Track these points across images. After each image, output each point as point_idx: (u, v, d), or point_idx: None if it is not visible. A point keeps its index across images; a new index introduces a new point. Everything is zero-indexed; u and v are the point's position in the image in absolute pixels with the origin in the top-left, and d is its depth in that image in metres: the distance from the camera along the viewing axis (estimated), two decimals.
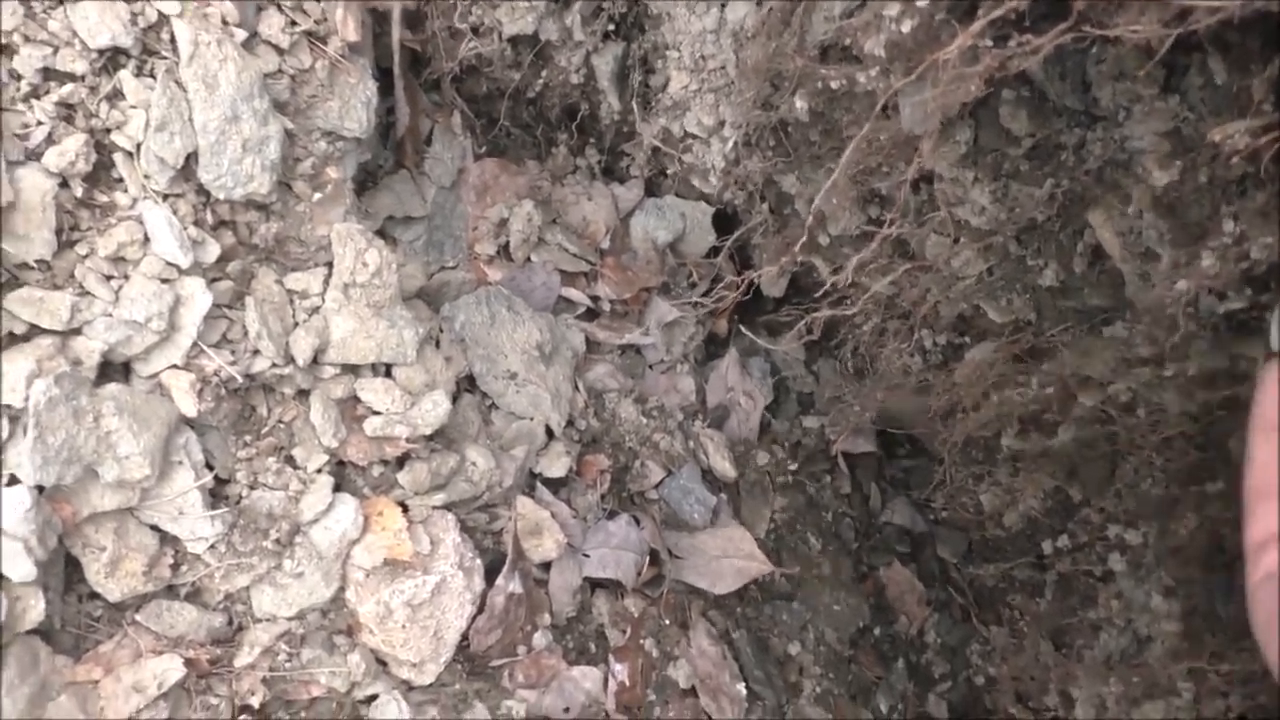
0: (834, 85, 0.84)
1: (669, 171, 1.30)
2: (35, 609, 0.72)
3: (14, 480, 0.70)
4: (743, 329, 1.37)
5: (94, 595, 0.80)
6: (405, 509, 0.94)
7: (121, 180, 0.78)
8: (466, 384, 1.09)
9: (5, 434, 0.70)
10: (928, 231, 1.03)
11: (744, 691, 1.16)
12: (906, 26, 0.74)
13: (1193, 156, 0.79)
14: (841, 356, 1.43)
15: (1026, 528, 1.35)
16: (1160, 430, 1.00)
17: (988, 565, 1.46)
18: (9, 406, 0.70)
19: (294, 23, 0.87)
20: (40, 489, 0.71)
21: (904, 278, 1.10)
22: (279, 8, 0.87)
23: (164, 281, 0.79)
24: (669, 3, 1.02)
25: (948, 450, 1.35)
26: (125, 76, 0.77)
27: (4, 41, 0.72)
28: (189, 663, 0.81)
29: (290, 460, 0.88)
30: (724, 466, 1.30)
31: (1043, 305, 1.05)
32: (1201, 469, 0.99)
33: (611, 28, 1.12)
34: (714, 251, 1.38)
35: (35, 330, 0.73)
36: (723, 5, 0.98)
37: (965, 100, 0.75)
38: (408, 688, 0.94)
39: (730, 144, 1.09)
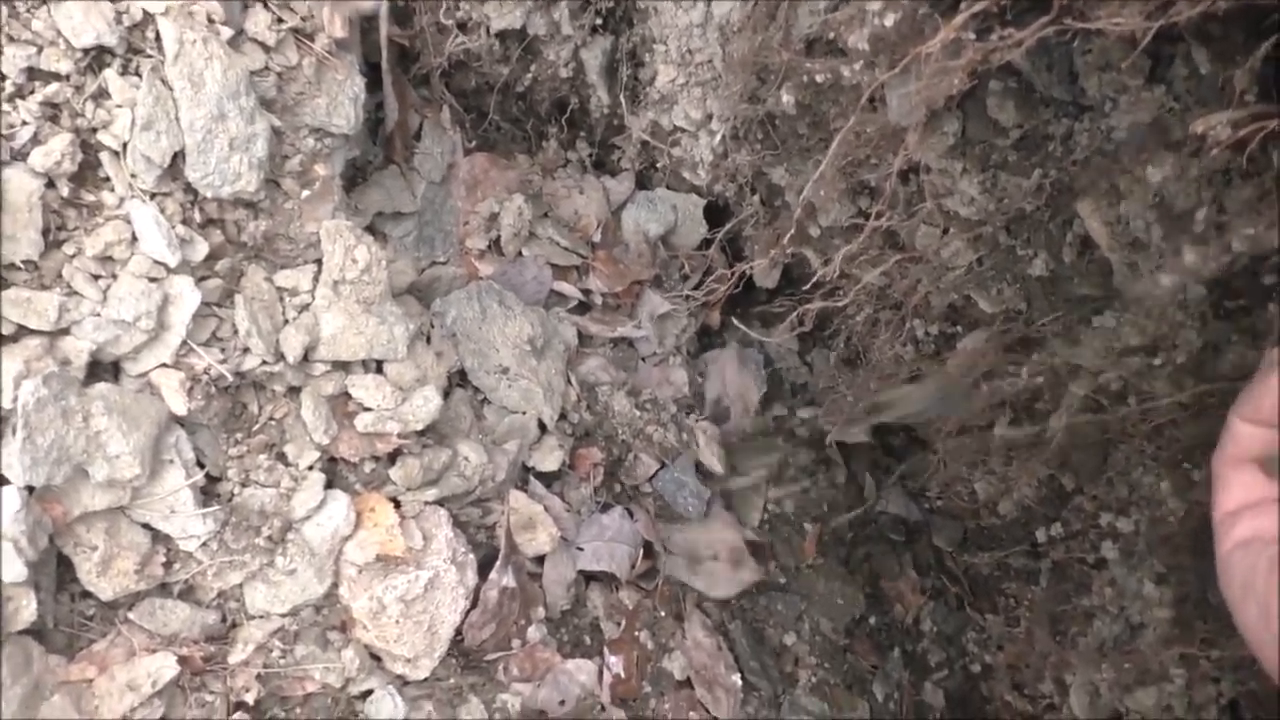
0: (819, 79, 0.84)
1: (659, 164, 1.30)
2: (27, 609, 0.72)
3: (3, 481, 0.71)
4: (736, 321, 1.37)
5: (86, 594, 0.80)
6: (397, 505, 0.94)
7: (108, 179, 0.78)
8: (458, 379, 1.09)
9: None
10: (917, 223, 1.03)
11: (740, 682, 1.16)
12: (889, 20, 0.74)
13: (1178, 147, 0.79)
14: (835, 347, 1.44)
15: (1021, 516, 1.35)
16: (1150, 418, 1.00)
17: (983, 553, 1.47)
18: None
19: (280, 20, 0.87)
20: (30, 489, 0.72)
21: (895, 269, 1.10)
22: (265, 5, 0.87)
23: (152, 280, 0.79)
24: None
25: (942, 440, 1.36)
26: (110, 75, 0.76)
27: None
28: (183, 660, 0.82)
29: (282, 457, 0.88)
30: (713, 462, 1.30)
31: (1033, 295, 1.06)
32: (1191, 456, 0.99)
33: (599, 21, 1.12)
34: (706, 244, 1.38)
35: (23, 331, 0.73)
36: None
37: (950, 93, 0.76)
38: (402, 683, 0.95)
39: (718, 137, 1.09)
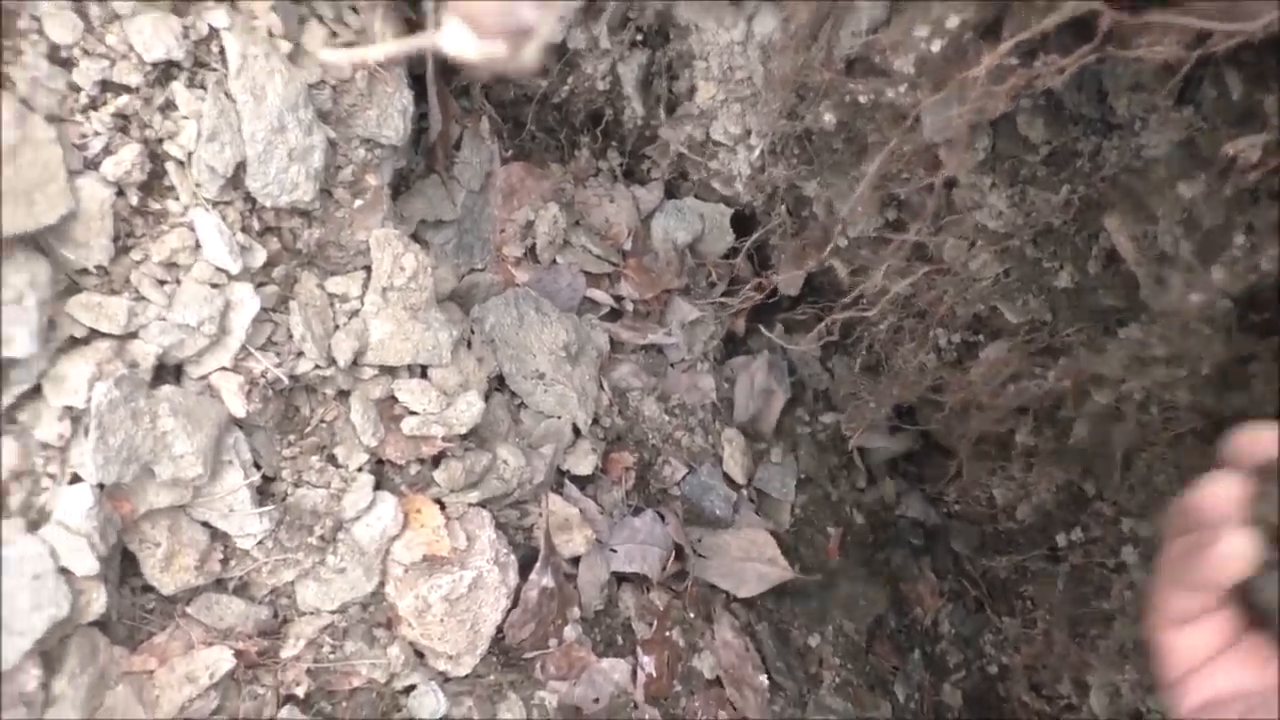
0: (862, 99, 0.87)
1: (691, 175, 1.33)
2: (97, 602, 0.75)
3: (77, 479, 0.73)
4: (764, 330, 1.39)
5: (147, 588, 0.83)
6: (442, 506, 0.96)
7: (173, 188, 0.80)
8: (496, 383, 1.12)
9: (69, 434, 0.73)
10: (946, 235, 1.06)
11: (766, 682, 1.19)
12: (936, 46, 0.77)
13: (1208, 165, 0.81)
14: (857, 354, 1.46)
15: (1039, 521, 1.37)
16: (1173, 427, 1.02)
17: (1000, 557, 1.49)
18: (71, 408, 0.73)
19: (335, 34, 0.90)
20: (101, 487, 0.74)
21: (922, 280, 1.13)
22: (321, 20, 0.89)
23: (214, 286, 0.81)
24: (697, 15, 1.05)
25: (962, 446, 1.38)
26: (178, 88, 0.79)
27: (65, 55, 0.74)
28: (239, 654, 0.84)
29: (332, 459, 0.91)
30: (736, 472, 1.32)
31: (1058, 306, 1.08)
32: (1212, 464, 1.01)
33: (639, 37, 1.15)
34: (732, 251, 1.40)
35: (94, 334, 0.76)
36: (750, 19, 1.01)
37: (993, 116, 0.78)
38: (444, 679, 0.97)
39: (756, 152, 1.12)
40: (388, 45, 0.73)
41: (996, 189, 0.99)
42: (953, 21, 0.74)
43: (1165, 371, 0.96)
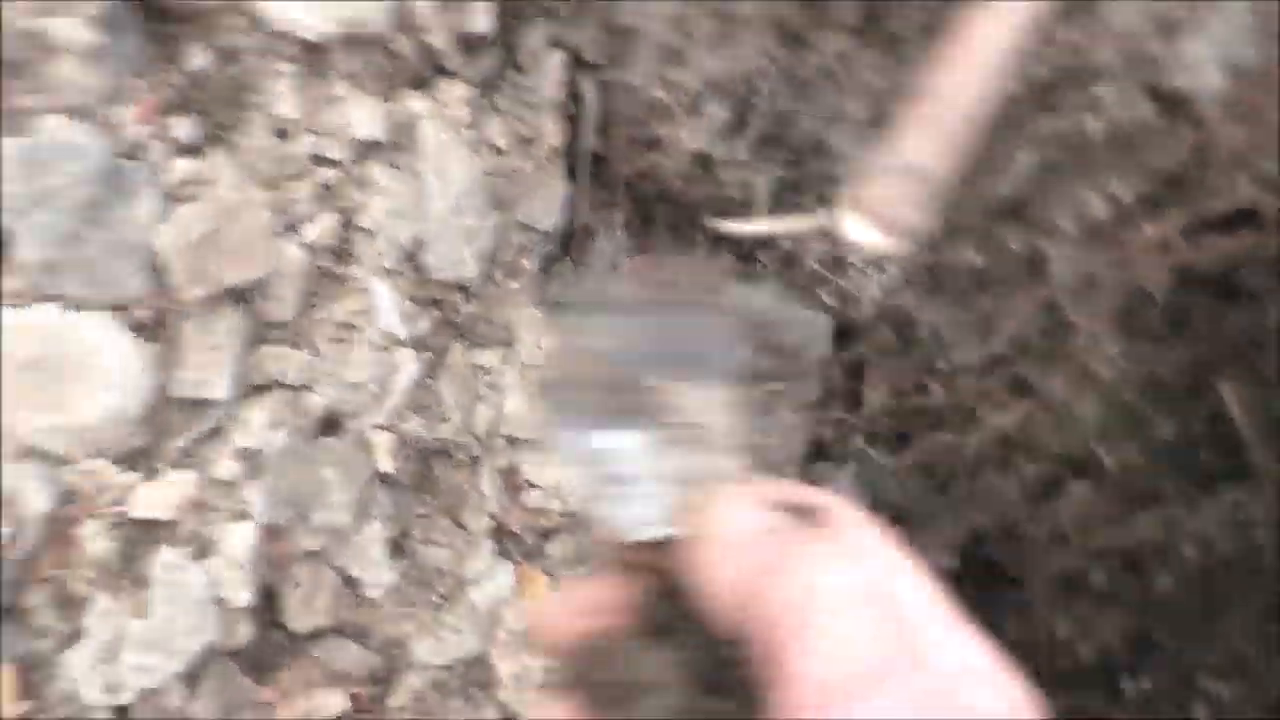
0: (1014, 246, 0.92)
1: (798, 282, 1.38)
2: (244, 632, 0.79)
3: (243, 516, 0.78)
4: (849, 438, 1.43)
5: (275, 624, 0.87)
6: (551, 578, 1.01)
7: (357, 256, 0.87)
8: None
9: (241, 473, 0.78)
10: (1055, 375, 1.10)
11: None
12: (1103, 212, 0.82)
13: None
14: (935, 473, 1.49)
15: (1100, 662, 1.38)
16: (1264, 592, 1.05)
17: (1057, 694, 1.49)
18: (247, 449, 0.79)
19: (513, 129, 0.97)
20: (262, 527, 0.79)
21: (1023, 415, 1.16)
22: (500, 114, 0.96)
23: (382, 349, 0.87)
24: (849, 144, 1.10)
25: (1035, 580, 1.40)
26: (375, 166, 0.86)
27: (285, 129, 0.81)
28: (354, 698, 0.88)
29: (459, 522, 0.96)
30: None
31: (1156, 457, 1.11)
32: None
33: (792, 159, 1.21)
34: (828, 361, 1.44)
35: (275, 384, 0.81)
36: None
37: (1151, 285, 0.83)
38: None
39: (889, 278, 1.17)
40: (787, 223, 0.80)
41: (1113, 338, 1.03)
42: (1126, 194, 0.79)
43: (1264, 535, 0.99)
